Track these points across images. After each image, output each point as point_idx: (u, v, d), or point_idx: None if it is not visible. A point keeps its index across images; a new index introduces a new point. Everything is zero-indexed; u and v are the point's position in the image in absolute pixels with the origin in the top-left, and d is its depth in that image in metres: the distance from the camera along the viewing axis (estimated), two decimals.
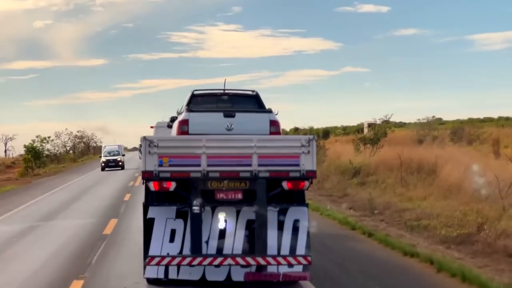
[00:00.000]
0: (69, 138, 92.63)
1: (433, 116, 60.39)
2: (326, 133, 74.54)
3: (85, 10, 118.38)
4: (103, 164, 52.90)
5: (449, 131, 48.08)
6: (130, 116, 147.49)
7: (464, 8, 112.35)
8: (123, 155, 54.65)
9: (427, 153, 27.51)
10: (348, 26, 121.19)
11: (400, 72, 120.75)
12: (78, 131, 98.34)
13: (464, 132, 44.87)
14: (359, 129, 68.68)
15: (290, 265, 9.94)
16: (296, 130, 77.55)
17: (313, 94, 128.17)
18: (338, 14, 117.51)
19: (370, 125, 65.14)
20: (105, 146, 57.86)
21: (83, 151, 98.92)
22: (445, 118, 70.13)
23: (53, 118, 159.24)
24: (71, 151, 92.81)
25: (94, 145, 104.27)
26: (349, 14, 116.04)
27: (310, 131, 76.16)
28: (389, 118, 58.70)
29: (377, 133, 35.57)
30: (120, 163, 52.82)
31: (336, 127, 78.16)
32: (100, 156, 56.16)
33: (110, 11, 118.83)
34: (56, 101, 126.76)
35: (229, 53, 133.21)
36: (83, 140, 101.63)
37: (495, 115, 68.24)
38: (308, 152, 9.89)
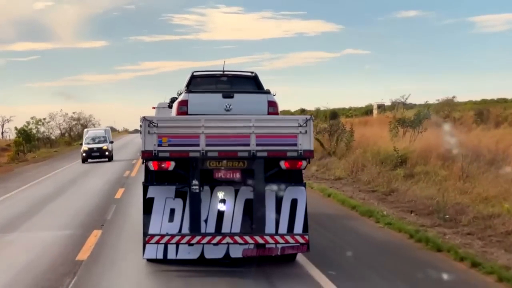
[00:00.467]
0: (64, 120, 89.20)
1: (454, 97, 56.40)
2: (334, 114, 71.08)
3: None
4: (84, 155, 41.07)
5: (472, 112, 42.52)
6: (131, 98, 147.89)
7: None
8: (111, 142, 43.25)
9: (475, 137, 23.98)
10: (349, 8, 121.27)
11: (401, 54, 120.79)
12: (74, 112, 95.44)
13: (490, 113, 39.70)
14: (367, 110, 65.64)
15: (288, 243, 10.11)
16: (302, 112, 76.19)
17: (314, 76, 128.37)
18: None
19: (379, 107, 63.25)
20: (87, 131, 46.25)
21: (80, 134, 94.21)
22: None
23: (54, 100, 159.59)
24: (66, 134, 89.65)
25: (92, 127, 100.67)
26: None
27: (317, 112, 75.22)
28: (406, 99, 53.94)
29: (419, 114, 30.20)
30: (106, 153, 41.28)
31: (343, 109, 76.53)
32: (81, 144, 43.82)
33: None
34: (56, 83, 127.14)
35: (230, 35, 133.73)
36: (80, 122, 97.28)
37: (496, 96, 65.41)
38: (306, 132, 10.05)
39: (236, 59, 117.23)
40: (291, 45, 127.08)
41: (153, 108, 17.19)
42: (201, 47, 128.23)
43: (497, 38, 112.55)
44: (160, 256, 10.34)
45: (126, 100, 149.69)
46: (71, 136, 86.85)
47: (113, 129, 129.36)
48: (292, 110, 78.11)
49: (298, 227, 10.25)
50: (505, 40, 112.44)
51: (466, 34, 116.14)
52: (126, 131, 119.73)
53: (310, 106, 79.10)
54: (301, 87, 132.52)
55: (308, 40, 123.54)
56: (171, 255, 10.32)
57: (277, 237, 10.04)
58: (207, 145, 9.93)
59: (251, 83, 11.46)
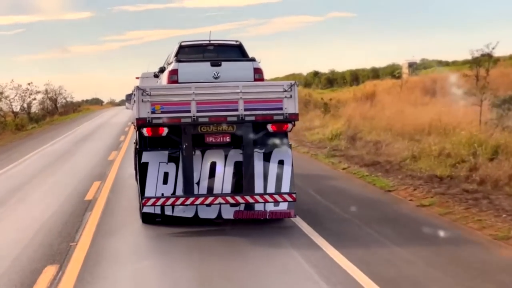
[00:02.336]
0: (16, 94, 63.51)
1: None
2: (355, 77, 66.43)
3: None
4: None
5: None
6: (117, 69, 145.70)
7: None
8: None
9: None
10: None
11: (386, 15, 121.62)
12: (29, 84, 66.90)
13: None
14: (394, 71, 53.98)
15: (276, 202, 10.87)
16: (316, 75, 73.93)
17: (300, 40, 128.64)
18: None
19: (411, 65, 52.84)
20: None
21: (48, 110, 77.73)
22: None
23: (40, 73, 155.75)
24: (24, 113, 64.59)
25: (64, 101, 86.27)
26: None
27: (332, 74, 71.75)
28: (493, 49, 48.24)
29: None
30: None
31: (363, 70, 68.93)
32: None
33: None
34: (43, 55, 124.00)
35: (215, 2, 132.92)
36: (48, 95, 79.93)
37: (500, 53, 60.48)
38: (291, 96, 10.76)
39: (222, 26, 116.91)
40: (276, 10, 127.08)
41: (137, 78, 17.53)
42: (186, 15, 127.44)
43: None
44: (158, 211, 10.96)
45: (112, 70, 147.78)
46: (30, 115, 62.84)
47: (96, 101, 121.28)
48: (281, 75, 75.80)
49: (285, 187, 11.00)
50: None
51: None
52: (111, 103, 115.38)
53: (323, 68, 76.07)
54: (288, 52, 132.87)
55: (292, 4, 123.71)
56: (167, 211, 10.96)
57: (266, 196, 10.76)
58: (198, 111, 10.53)
59: (236, 52, 12.08)
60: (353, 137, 23.66)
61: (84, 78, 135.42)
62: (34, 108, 70.36)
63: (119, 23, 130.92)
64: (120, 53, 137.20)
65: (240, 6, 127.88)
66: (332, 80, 71.87)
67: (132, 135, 26.41)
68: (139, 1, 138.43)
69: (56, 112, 78.46)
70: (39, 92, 68.46)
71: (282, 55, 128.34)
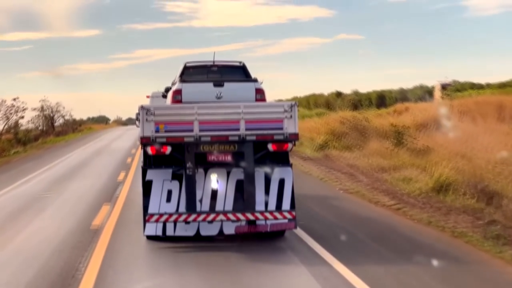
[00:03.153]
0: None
1: None
2: (381, 99, 63.12)
3: None
4: None
5: None
6: (125, 87, 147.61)
7: None
8: None
9: None
10: None
11: (395, 38, 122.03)
12: (14, 100, 57.92)
13: None
14: (423, 93, 50.52)
15: (276, 219, 11.18)
16: (338, 96, 71.46)
17: (308, 62, 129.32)
18: None
19: (444, 87, 49.10)
20: None
21: (45, 130, 70.57)
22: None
23: (48, 89, 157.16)
24: (11, 131, 55.19)
25: (61, 120, 78.45)
26: None
27: (356, 95, 68.96)
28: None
29: None
30: None
31: (390, 91, 66.24)
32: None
33: None
34: (50, 72, 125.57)
35: (223, 22, 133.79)
36: (44, 112, 72.89)
37: (496, 80, 59.14)
38: (291, 116, 11.09)
39: (229, 46, 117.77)
40: (284, 31, 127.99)
41: (147, 97, 18.05)
42: (194, 34, 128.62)
43: (490, 22, 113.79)
44: (159, 233, 11.30)
45: (120, 88, 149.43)
46: (18, 136, 52.65)
47: (102, 118, 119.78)
48: (301, 95, 76.06)
49: (286, 204, 11.28)
50: (498, 24, 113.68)
51: (459, 18, 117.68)
52: (117, 122, 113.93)
53: (345, 89, 75.28)
54: (296, 72, 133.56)
55: (301, 25, 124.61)
56: (169, 232, 11.29)
57: (267, 214, 11.09)
58: (200, 130, 10.89)
59: (239, 72, 12.48)
60: (483, 190, 14.92)
61: (91, 95, 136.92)
62: (26, 127, 62.14)
63: (128, 41, 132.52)
64: (128, 71, 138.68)
65: (248, 26, 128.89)
66: (356, 102, 70.68)
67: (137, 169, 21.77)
68: (147, 20, 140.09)
69: (52, 132, 70.78)
70: (25, 109, 58.06)
71: (290, 75, 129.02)
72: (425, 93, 50.86)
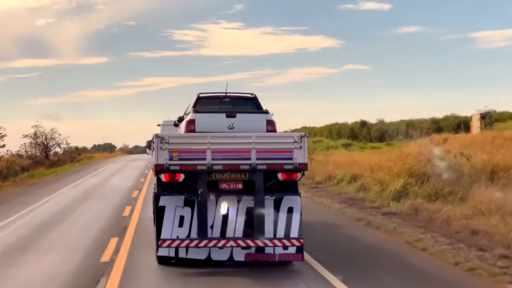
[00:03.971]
0: None
1: None
2: (411, 129, 57.08)
3: (87, 8, 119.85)
4: None
5: None
6: (132, 114, 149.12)
7: (466, 6, 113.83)
8: None
9: None
10: (350, 24, 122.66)
11: (402, 69, 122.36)
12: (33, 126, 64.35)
13: None
14: (459, 123, 47.35)
15: (285, 247, 11.57)
16: (363, 125, 69.74)
17: (316, 92, 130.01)
18: (340, 12, 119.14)
19: (483, 117, 46.77)
20: None
21: (37, 159, 62.93)
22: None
23: (56, 116, 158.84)
24: None
25: (57, 150, 69.90)
26: (351, 11, 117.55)
27: (382, 124, 66.40)
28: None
29: None
30: None
31: (420, 120, 63.92)
32: None
33: (112, 9, 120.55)
34: (58, 99, 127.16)
35: (231, 51, 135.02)
36: (38, 139, 65.75)
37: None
38: (300, 147, 11.55)
39: (237, 75, 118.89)
40: (292, 61, 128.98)
41: (158, 125, 18.56)
42: (202, 63, 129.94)
43: (497, 54, 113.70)
44: (172, 254, 11.70)
45: (127, 116, 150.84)
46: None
47: (109, 146, 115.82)
48: (320, 125, 75.25)
49: (294, 232, 11.66)
50: (506, 56, 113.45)
51: (467, 49, 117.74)
52: (122, 150, 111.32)
53: (371, 119, 74.06)
54: (303, 102, 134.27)
55: (309, 55, 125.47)
56: (181, 254, 11.71)
57: (275, 241, 11.49)
58: (212, 159, 11.39)
59: (251, 104, 13.01)
60: None
61: (98, 123, 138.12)
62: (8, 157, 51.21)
63: (135, 69, 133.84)
64: (135, 99, 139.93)
65: (256, 56, 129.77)
66: (383, 132, 66.55)
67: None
68: (155, 48, 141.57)
69: (45, 162, 62.10)
70: (4, 136, 51.17)
71: (297, 105, 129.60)
72: (460, 123, 49.44)
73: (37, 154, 65.73)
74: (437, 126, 58.53)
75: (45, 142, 67.63)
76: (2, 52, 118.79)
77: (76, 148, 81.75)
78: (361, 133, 67.67)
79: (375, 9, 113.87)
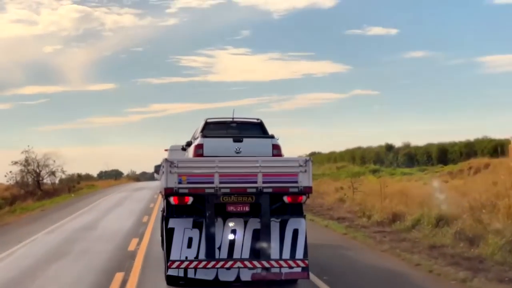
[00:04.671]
0: None
1: None
2: (443, 153, 55.12)
3: (94, 35, 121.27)
4: None
5: None
6: (139, 140, 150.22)
7: (473, 31, 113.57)
8: None
9: None
10: (357, 49, 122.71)
11: (410, 94, 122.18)
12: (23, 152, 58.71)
13: None
14: (495, 146, 44.48)
15: (291, 267, 11.93)
16: (389, 149, 65.77)
17: (323, 117, 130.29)
18: (347, 37, 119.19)
19: None
20: None
21: (29, 189, 57.10)
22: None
23: (63, 143, 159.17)
24: None
25: (52, 180, 63.11)
26: (358, 36, 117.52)
27: (408, 147, 62.41)
28: None
29: None
30: None
31: (452, 143, 58.86)
32: None
33: (120, 36, 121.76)
34: (66, 126, 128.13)
35: (238, 76, 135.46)
36: (28, 167, 59.32)
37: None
38: (305, 171, 11.97)
39: (245, 101, 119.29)
40: (299, 86, 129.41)
41: (165, 150, 19.05)
42: (209, 88, 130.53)
43: (505, 78, 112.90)
44: (181, 274, 12.04)
45: (134, 142, 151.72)
46: None
47: (116, 172, 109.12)
48: (339, 149, 73.36)
49: (299, 253, 12.03)
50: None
51: (474, 74, 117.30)
52: (129, 177, 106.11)
53: (396, 141, 70.54)
54: (311, 128, 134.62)
55: (316, 81, 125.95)
56: (190, 274, 12.07)
57: (281, 262, 11.86)
58: (220, 182, 11.83)
59: (257, 129, 13.46)
60: None
61: (105, 149, 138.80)
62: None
63: (143, 95, 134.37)
64: (142, 125, 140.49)
65: (263, 81, 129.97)
66: (411, 157, 62.11)
67: None
68: (163, 74, 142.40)
69: (38, 190, 57.37)
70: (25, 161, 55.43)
71: (305, 130, 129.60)
72: (496, 146, 45.88)
73: (29, 183, 59.34)
74: (469, 150, 54.23)
75: (37, 170, 60.01)
76: (9, 79, 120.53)
77: (79, 175, 77.16)
78: (387, 158, 64.65)
79: (382, 34, 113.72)
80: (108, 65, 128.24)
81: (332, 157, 75.09)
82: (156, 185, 36.69)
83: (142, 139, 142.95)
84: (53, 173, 62.14)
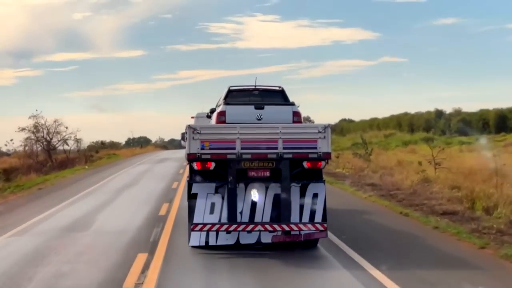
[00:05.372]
0: None
1: None
2: (501, 120, 52.23)
3: (123, 2, 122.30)
4: None
5: None
6: (167, 107, 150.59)
7: None
8: None
9: None
10: (386, 16, 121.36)
11: (438, 61, 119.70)
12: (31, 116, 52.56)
13: None
14: None
15: (310, 230, 12.31)
16: (440, 116, 63.25)
17: (352, 84, 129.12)
18: (377, 4, 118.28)
19: None
20: None
21: (38, 160, 51.41)
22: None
23: (91, 110, 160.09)
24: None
25: (64, 146, 57.44)
26: (388, 3, 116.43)
27: (459, 114, 61.11)
28: None
29: None
30: None
31: (509, 109, 56.26)
32: None
33: (148, 3, 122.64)
34: (95, 92, 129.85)
35: (267, 43, 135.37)
36: (37, 134, 53.64)
37: None
38: (324, 137, 12.27)
39: (273, 68, 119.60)
40: (328, 53, 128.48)
41: (192, 117, 19.60)
42: (237, 55, 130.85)
43: None
44: (202, 243, 12.63)
45: (163, 109, 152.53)
46: None
47: (143, 140, 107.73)
48: (386, 115, 70.41)
49: (318, 217, 12.41)
50: None
51: (504, 41, 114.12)
52: (155, 145, 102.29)
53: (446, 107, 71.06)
54: (340, 94, 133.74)
55: (345, 48, 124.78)
56: (212, 241, 12.62)
57: (301, 225, 12.24)
58: (242, 148, 12.23)
59: (278, 96, 13.78)
60: None
61: (134, 116, 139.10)
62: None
63: (171, 62, 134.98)
64: (171, 92, 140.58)
65: (292, 48, 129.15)
66: (466, 124, 60.08)
67: None
68: (191, 41, 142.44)
69: (49, 161, 51.34)
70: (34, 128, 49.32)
71: (335, 97, 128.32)
72: None
73: (38, 152, 53.94)
74: None
75: (48, 138, 53.89)
76: (40, 46, 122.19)
77: (102, 143, 73.09)
78: (437, 125, 62.68)
79: (412, 1, 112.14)
80: (137, 32, 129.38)
81: (375, 124, 72.20)
82: (181, 157, 35.95)
83: (170, 106, 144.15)
84: (65, 141, 56.45)
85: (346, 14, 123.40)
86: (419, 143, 44.90)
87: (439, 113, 63.76)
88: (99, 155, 62.79)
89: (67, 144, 56.48)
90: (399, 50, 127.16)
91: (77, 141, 57.63)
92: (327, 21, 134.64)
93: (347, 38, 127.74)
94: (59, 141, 55.76)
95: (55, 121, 54.52)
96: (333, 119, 71.21)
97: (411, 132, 59.54)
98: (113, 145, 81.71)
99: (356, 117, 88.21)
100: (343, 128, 75.98)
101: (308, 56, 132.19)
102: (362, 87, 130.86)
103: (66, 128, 55.45)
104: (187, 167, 13.65)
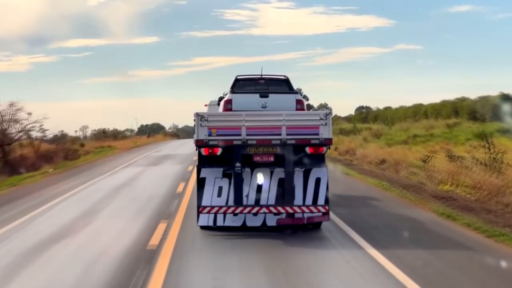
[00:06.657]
0: None
1: None
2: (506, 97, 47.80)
3: None
4: None
5: None
6: (182, 94, 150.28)
7: None
8: None
9: None
10: (401, 3, 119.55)
11: (454, 49, 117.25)
12: None
13: None
14: None
15: (312, 212, 12.97)
16: (506, 98, 48.88)
17: (368, 71, 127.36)
18: None
19: None
20: None
21: None
22: None
23: (107, 95, 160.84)
24: None
25: (25, 135, 43.59)
26: None
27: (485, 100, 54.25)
28: None
29: None
30: None
31: None
32: None
33: None
34: (109, 78, 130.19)
35: (282, 30, 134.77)
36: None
37: None
38: (326, 124, 12.88)
39: (288, 55, 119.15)
40: (343, 41, 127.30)
41: (205, 105, 20.38)
42: (252, 42, 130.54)
43: None
44: (211, 223, 13.34)
45: (178, 95, 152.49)
46: None
47: (156, 127, 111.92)
48: (435, 100, 63.18)
49: (321, 200, 13.08)
50: None
51: None
52: (166, 133, 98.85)
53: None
54: (355, 82, 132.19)
55: (360, 35, 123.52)
56: (219, 222, 13.34)
57: (304, 208, 12.94)
58: (247, 135, 12.90)
59: (283, 85, 14.45)
60: None
61: (149, 102, 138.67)
62: None
63: (186, 48, 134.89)
64: (186, 78, 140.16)
65: (307, 35, 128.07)
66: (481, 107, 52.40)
67: None
68: (206, 27, 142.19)
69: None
70: None
71: (350, 84, 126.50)
72: None
73: None
74: None
75: (1, 127, 40.86)
76: (54, 32, 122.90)
77: (104, 131, 65.47)
78: (506, 113, 52.85)
79: None
80: (151, 18, 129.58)
81: (421, 111, 62.86)
82: (190, 155, 34.97)
83: (185, 93, 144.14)
84: (27, 132, 43.40)
85: (361, 1, 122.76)
86: (497, 136, 30.50)
87: (505, 97, 50.05)
88: (86, 148, 53.16)
89: (30, 136, 43.96)
90: (414, 37, 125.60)
91: (43, 132, 45.48)
92: (342, 8, 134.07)
93: (362, 25, 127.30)
94: (19, 132, 42.71)
95: (10, 105, 41.55)
96: (349, 106, 69.81)
97: (474, 121, 48.97)
98: (117, 133, 74.27)
99: (373, 104, 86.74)
100: (387, 116, 71.86)
101: (323, 43, 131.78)
102: (378, 74, 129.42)
103: (29, 114, 42.41)
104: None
